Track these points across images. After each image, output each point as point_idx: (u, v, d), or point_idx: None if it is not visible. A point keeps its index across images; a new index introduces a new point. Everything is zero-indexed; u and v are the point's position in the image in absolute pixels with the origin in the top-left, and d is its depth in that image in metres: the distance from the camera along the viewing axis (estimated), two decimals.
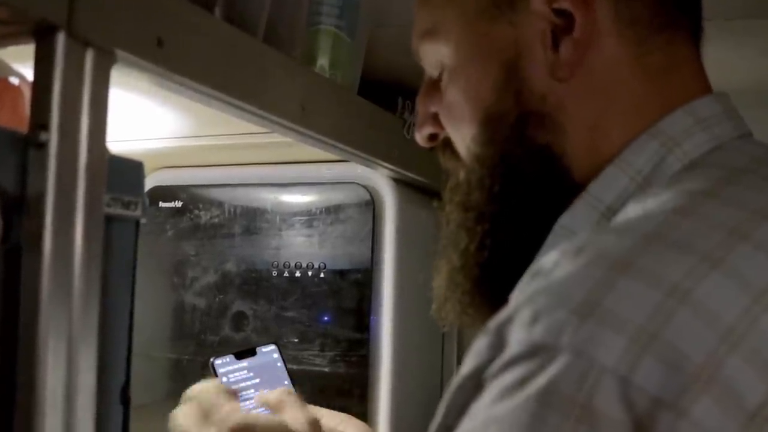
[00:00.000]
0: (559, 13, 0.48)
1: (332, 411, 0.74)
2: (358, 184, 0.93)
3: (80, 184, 0.45)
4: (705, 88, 0.50)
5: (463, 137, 0.53)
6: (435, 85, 0.55)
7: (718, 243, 0.37)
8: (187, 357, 0.98)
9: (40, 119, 0.43)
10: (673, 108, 0.47)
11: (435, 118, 0.55)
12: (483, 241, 0.50)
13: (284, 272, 0.94)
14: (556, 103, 0.48)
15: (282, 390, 0.68)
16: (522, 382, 0.35)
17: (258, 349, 0.75)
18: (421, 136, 0.57)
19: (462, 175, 0.52)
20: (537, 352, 0.35)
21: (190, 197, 0.99)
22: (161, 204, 1.00)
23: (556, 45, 0.48)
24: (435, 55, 0.54)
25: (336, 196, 0.93)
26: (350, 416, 0.73)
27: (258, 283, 0.96)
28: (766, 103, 0.95)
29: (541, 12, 0.48)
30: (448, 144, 0.55)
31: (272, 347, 0.76)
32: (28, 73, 0.57)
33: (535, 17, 0.48)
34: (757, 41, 0.87)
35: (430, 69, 0.56)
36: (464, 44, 0.51)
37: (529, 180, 0.49)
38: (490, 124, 0.50)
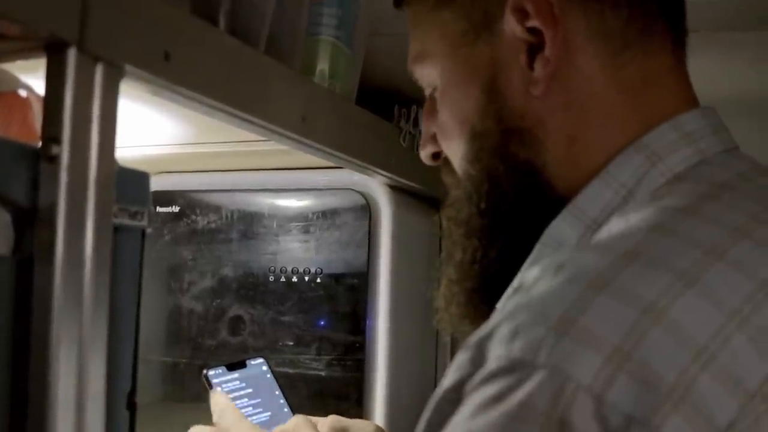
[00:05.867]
0: (532, 31, 0.48)
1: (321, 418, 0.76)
2: (354, 190, 0.94)
3: (90, 196, 0.45)
4: (689, 100, 0.50)
5: (455, 155, 0.54)
6: (434, 104, 0.56)
7: (694, 261, 0.38)
8: (183, 360, 0.98)
9: (51, 133, 0.44)
10: (654, 121, 0.47)
11: (435, 138, 0.57)
12: (474, 254, 0.51)
13: (281, 277, 0.95)
14: (535, 118, 0.49)
15: (297, 418, 0.71)
16: (500, 397, 0.36)
17: (248, 362, 0.77)
18: (424, 155, 0.58)
19: (456, 191, 0.54)
20: (515, 368, 0.36)
21: (188, 202, 1.00)
22: (158, 209, 1.00)
23: (531, 62, 0.49)
24: (427, 77, 0.56)
25: (332, 202, 0.94)
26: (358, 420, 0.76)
27: (255, 287, 0.96)
28: (753, 113, 0.97)
29: (515, 31, 0.49)
30: (448, 161, 0.56)
31: (260, 360, 0.78)
32: (35, 85, 0.58)
33: (510, 37, 0.49)
34: (743, 53, 0.89)
35: (427, 89, 0.57)
36: (449, 67, 0.53)
37: (511, 195, 0.50)
38: (476, 142, 0.51)
